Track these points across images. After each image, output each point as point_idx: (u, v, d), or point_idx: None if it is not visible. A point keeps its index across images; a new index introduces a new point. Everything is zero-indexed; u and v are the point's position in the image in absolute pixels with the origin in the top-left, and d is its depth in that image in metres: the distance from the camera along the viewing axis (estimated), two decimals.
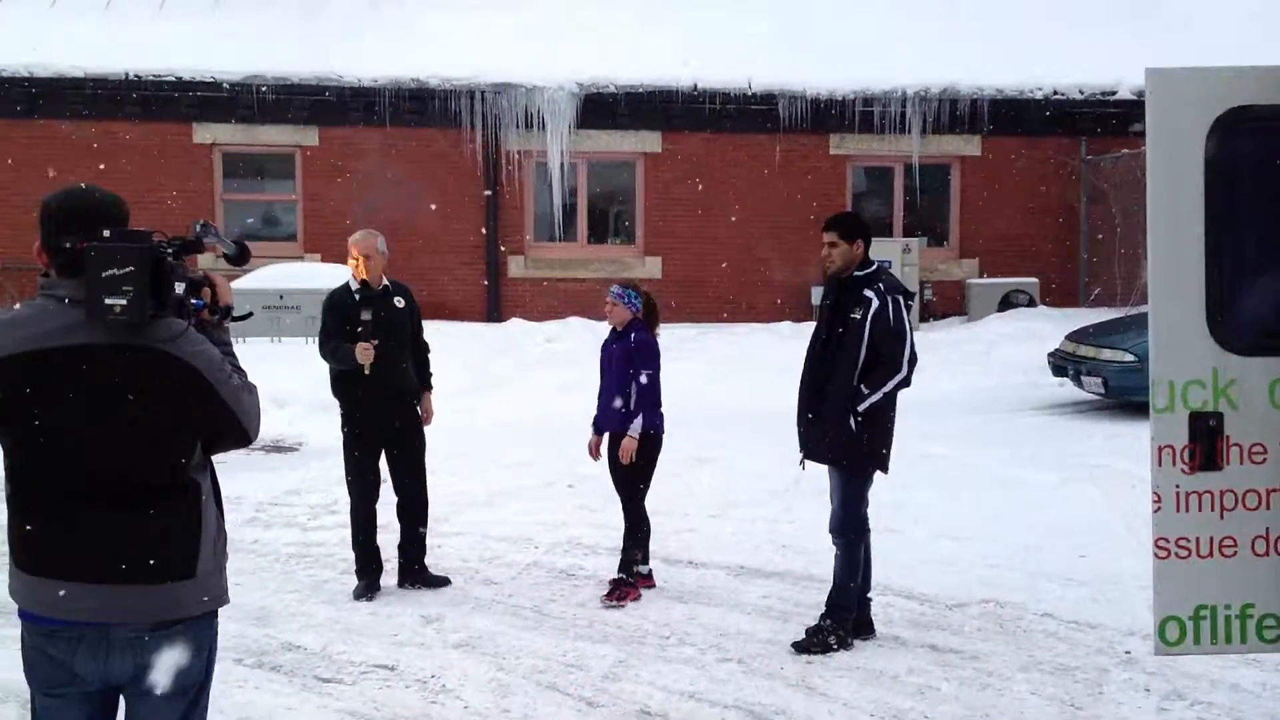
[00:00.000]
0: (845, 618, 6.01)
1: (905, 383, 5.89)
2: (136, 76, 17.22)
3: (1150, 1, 18.91)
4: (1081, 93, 18.14)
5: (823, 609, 6.10)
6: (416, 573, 7.12)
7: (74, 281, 2.97)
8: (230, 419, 3.12)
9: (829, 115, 17.93)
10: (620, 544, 7.44)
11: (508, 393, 14.26)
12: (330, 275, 16.57)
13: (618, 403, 7.05)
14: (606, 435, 7.23)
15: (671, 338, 15.10)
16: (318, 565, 7.60)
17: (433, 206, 17.78)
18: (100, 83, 17.17)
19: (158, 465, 3.05)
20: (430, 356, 7.44)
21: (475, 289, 18.11)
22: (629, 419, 6.97)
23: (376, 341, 6.79)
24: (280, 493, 9.64)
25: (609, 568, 7.44)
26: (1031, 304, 18.03)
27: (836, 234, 6.01)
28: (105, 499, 3.01)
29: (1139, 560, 7.08)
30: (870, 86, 17.79)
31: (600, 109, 17.66)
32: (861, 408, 5.86)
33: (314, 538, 8.29)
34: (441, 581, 7.12)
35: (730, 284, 18.30)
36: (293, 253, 18.01)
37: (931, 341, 15.81)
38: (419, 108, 17.54)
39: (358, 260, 7.04)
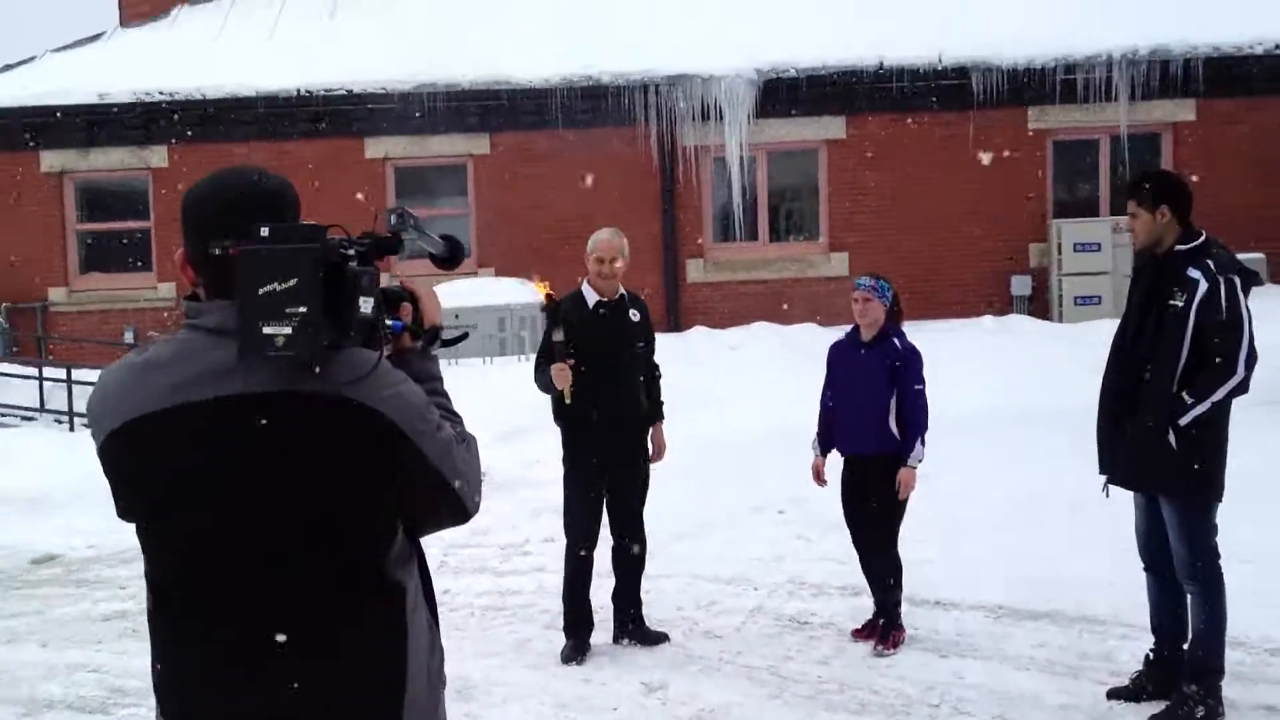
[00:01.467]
0: (1215, 682, 4.90)
1: (1242, 388, 4.76)
2: (308, 92, 16.92)
3: None
4: None
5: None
6: (633, 628, 6.29)
7: (226, 304, 2.13)
8: (443, 489, 2.22)
9: (1027, 86, 16.59)
10: (854, 583, 6.49)
11: (694, 406, 13.40)
12: (506, 291, 16.02)
13: (889, 423, 6.04)
14: (842, 459, 6.30)
15: None
16: (517, 619, 6.82)
17: (608, 208, 17.05)
18: (271, 100, 16.92)
19: (343, 565, 2.17)
20: (663, 382, 6.60)
21: (653, 295, 17.29)
22: (893, 442, 5.99)
23: (571, 362, 5.97)
24: (467, 532, 8.90)
25: (845, 613, 6.51)
26: (1259, 283, 16.31)
27: (1135, 201, 4.92)
28: (269, 618, 2.14)
29: None
30: (1072, 52, 16.39)
31: (779, 95, 16.67)
32: (1184, 420, 4.77)
33: (509, 585, 7.54)
34: (659, 638, 6.27)
35: (924, 277, 17.06)
36: (465, 268, 17.48)
37: None
38: (591, 105, 16.81)
39: (603, 264, 6.21)
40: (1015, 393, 12.16)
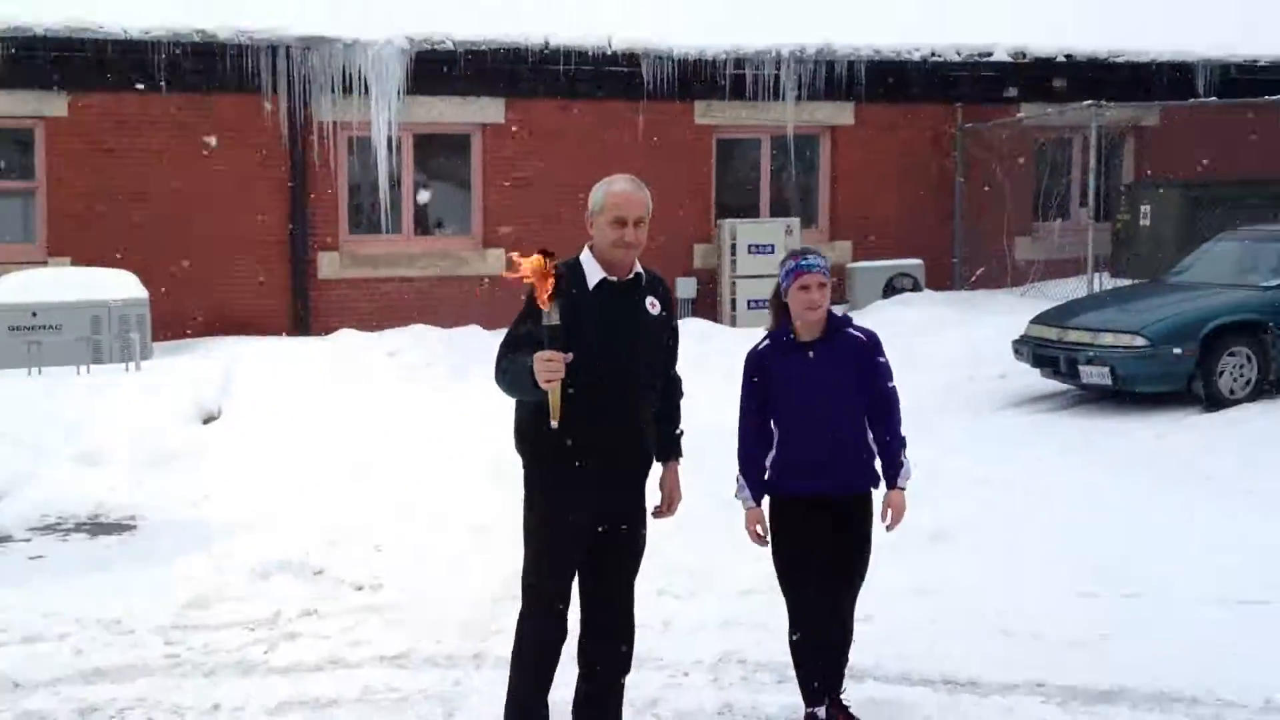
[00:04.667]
0: None
1: None
2: None
3: None
4: (959, 54, 16.46)
5: None
6: None
7: None
8: None
9: (696, 79, 15.51)
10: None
11: (372, 426, 11.06)
12: (100, 284, 12.85)
13: (869, 445, 4.53)
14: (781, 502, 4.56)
15: None
16: None
17: (223, 189, 14.22)
18: None
19: None
20: (682, 402, 4.54)
21: (277, 294, 14.63)
22: (874, 471, 4.49)
23: (569, 356, 3.85)
24: (175, 607, 6.25)
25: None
26: (917, 288, 16.19)
27: None
28: None
29: None
30: (743, 45, 15.49)
31: (433, 71, 14.57)
32: None
33: (312, 690, 5.13)
34: None
35: None
36: (32, 257, 14.01)
37: None
38: (205, 66, 13.92)
39: (624, 227, 4.09)
40: None
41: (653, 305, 4.21)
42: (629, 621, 4.37)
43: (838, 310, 4.68)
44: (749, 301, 15.19)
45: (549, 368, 3.76)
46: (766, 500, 4.58)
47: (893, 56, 16.14)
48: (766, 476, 4.55)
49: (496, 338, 4.18)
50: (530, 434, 4.10)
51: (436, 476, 8.85)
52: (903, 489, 4.49)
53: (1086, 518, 7.38)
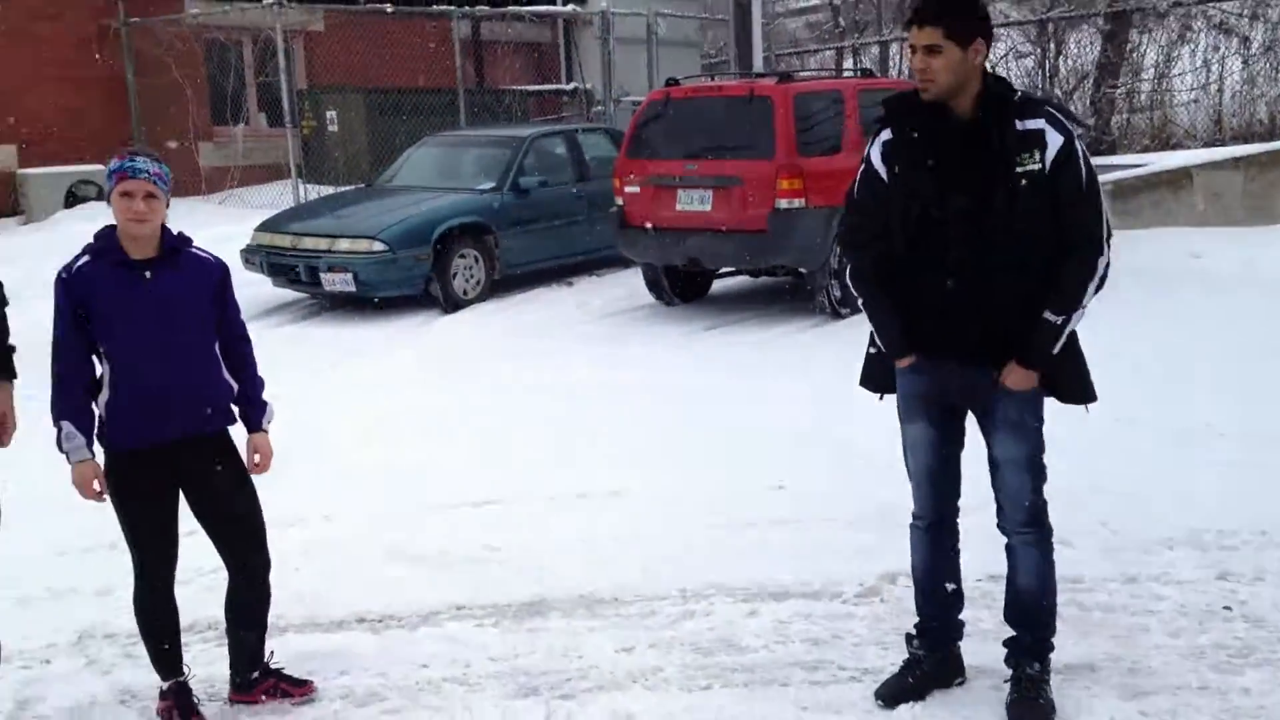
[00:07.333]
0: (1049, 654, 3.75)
1: (1104, 278, 3.46)
2: None
3: None
4: None
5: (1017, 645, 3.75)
6: None
7: None
8: None
9: None
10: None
11: None
12: None
13: (226, 379, 3.85)
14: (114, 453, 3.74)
15: None
16: None
17: None
18: None
19: None
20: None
21: None
22: (227, 408, 3.86)
23: None
24: None
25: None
26: (101, 197, 14.65)
27: (941, 31, 3.34)
28: None
29: None
30: None
31: None
32: (1079, 318, 3.44)
33: None
34: None
35: None
36: None
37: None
38: None
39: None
40: None
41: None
42: None
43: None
44: None
45: None
46: (101, 451, 3.68)
47: None
48: (98, 424, 3.65)
49: None
50: None
51: None
52: (266, 430, 3.88)
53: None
